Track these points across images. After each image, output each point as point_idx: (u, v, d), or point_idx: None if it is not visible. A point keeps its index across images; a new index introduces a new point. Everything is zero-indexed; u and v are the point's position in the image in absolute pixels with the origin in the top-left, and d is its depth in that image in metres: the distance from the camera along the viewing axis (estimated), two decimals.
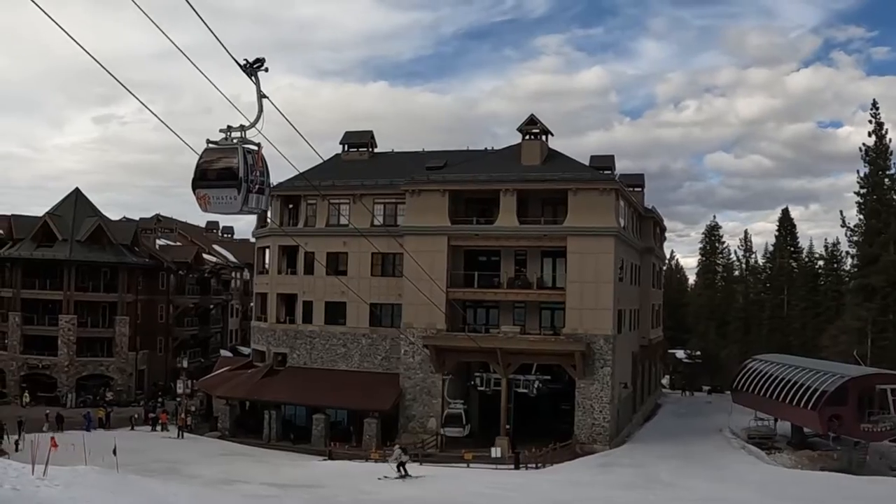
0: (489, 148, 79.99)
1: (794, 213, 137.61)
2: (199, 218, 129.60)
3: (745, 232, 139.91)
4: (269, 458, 62.47)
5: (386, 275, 72.93)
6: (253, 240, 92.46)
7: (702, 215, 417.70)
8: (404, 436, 67.49)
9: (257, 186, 18.97)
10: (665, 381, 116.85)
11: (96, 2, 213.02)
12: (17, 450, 58.08)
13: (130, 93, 19.09)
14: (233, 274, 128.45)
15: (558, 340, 65.70)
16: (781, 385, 67.14)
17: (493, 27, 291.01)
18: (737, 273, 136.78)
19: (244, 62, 18.20)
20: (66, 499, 22.64)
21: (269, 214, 76.39)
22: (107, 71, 17.23)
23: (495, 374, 66.06)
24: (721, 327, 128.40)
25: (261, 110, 18.89)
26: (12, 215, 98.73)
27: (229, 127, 19.02)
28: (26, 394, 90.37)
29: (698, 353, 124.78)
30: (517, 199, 68.00)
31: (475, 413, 71.83)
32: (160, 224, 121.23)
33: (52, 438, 43.88)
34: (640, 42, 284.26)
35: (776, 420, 70.03)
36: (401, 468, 50.50)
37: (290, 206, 78.91)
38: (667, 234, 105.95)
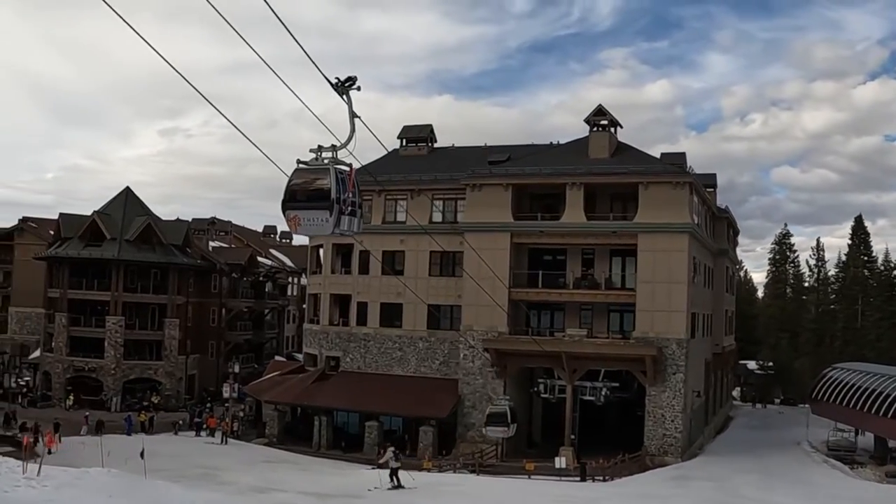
0: (555, 142, 75.96)
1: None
2: (257, 223, 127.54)
3: (818, 240, 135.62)
4: (316, 466, 58.99)
5: (445, 274, 69.66)
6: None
7: (768, 230, 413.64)
8: (462, 445, 64.11)
9: (349, 209, 18.70)
10: (735, 392, 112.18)
11: (163, 16, 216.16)
12: (49, 452, 54.77)
13: (215, 108, 18.22)
14: (290, 279, 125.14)
15: (628, 344, 61.97)
16: (864, 395, 63.70)
17: (558, 41, 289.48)
18: (807, 284, 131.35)
19: (336, 80, 18.03)
20: (44, 500, 21.54)
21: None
22: (192, 86, 16.34)
23: (560, 381, 62.47)
24: (792, 339, 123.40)
25: (353, 130, 18.58)
26: (60, 214, 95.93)
27: (320, 147, 18.65)
28: (70, 397, 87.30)
29: (770, 363, 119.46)
30: (584, 193, 64.16)
31: (538, 422, 69.11)
32: (214, 226, 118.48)
33: (48, 434, 41.74)
34: (706, 55, 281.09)
35: (857, 432, 66.57)
36: (393, 477, 45.91)
37: None
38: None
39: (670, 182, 62.11)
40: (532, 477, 54.03)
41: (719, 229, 79.86)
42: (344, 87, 18.09)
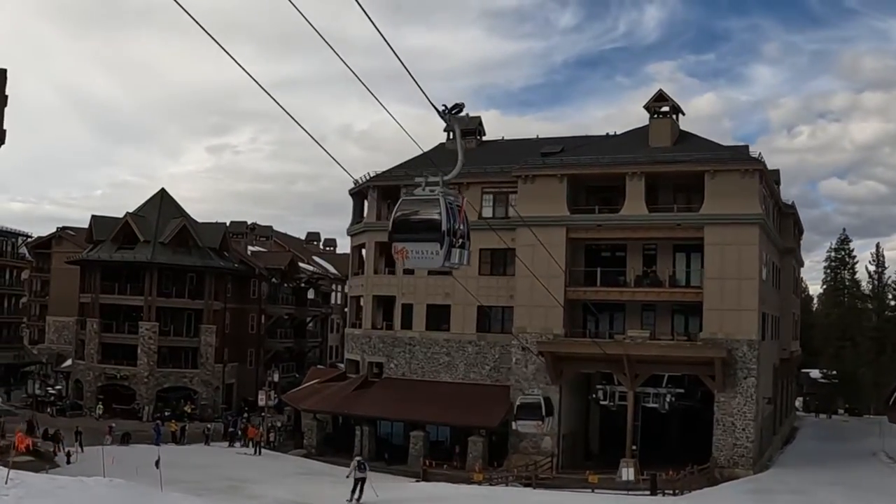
0: (612, 132, 71.32)
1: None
2: (300, 230, 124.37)
3: (877, 246, 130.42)
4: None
5: (496, 273, 65.65)
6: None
7: (816, 243, 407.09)
8: (514, 457, 59.63)
9: (460, 241, 17.97)
10: (798, 402, 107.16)
11: (215, 34, 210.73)
12: (68, 462, 52.63)
13: (300, 125, 17.56)
14: (333, 286, 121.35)
15: (695, 346, 57.25)
16: None
17: (605, 55, 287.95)
18: (866, 291, 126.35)
19: (443, 108, 17.79)
20: None
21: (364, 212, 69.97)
22: (273, 99, 16.21)
23: (620, 387, 57.96)
24: (853, 348, 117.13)
25: (461, 159, 18.73)
26: (93, 216, 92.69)
27: (426, 175, 18.25)
28: (100, 405, 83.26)
29: (834, 372, 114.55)
30: (645, 184, 59.86)
31: (595, 432, 65.34)
32: (254, 231, 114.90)
33: (18, 435, 39.23)
34: (753, 67, 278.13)
35: None
36: (357, 488, 41.15)
37: (389, 200, 70.90)
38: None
39: (738, 170, 57.66)
40: (596, 490, 49.85)
41: (785, 226, 74.83)
42: (451, 114, 17.89)
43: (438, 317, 67.49)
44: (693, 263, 60.23)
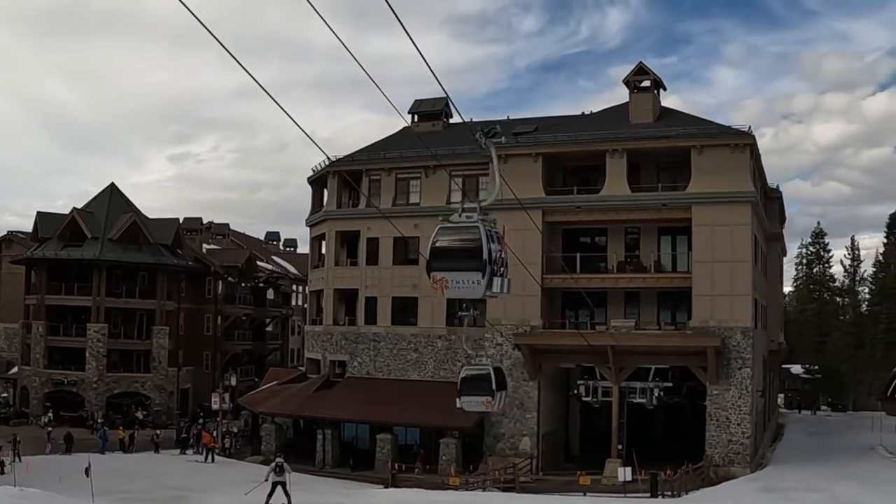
0: (588, 112, 66.90)
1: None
2: (259, 231, 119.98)
3: (852, 239, 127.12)
4: (317, 486, 49.90)
5: None
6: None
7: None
8: (491, 459, 55.36)
9: (502, 269, 18.38)
10: (779, 399, 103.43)
11: (176, 43, 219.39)
12: (2, 472, 48.99)
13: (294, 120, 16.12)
14: (294, 287, 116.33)
15: (686, 335, 53.05)
16: None
17: (568, 59, 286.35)
18: (840, 285, 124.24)
19: (479, 132, 18.75)
20: None
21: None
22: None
23: (603, 382, 54.00)
24: (832, 343, 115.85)
25: (499, 182, 19.90)
26: (38, 212, 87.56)
27: (463, 202, 20.83)
28: (49, 413, 77.66)
29: (816, 367, 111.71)
30: (627, 163, 55.77)
31: (575, 432, 61.35)
32: (210, 230, 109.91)
33: None
34: (716, 70, 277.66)
35: None
36: (276, 491, 37.54)
37: (350, 188, 66.67)
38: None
39: (728, 144, 53.64)
40: (588, 494, 45.33)
41: (771, 210, 70.76)
42: (487, 138, 18.41)
43: (405, 310, 63.10)
44: (679, 247, 56.33)
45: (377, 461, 57.42)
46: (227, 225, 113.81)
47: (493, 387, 28.30)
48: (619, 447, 52.04)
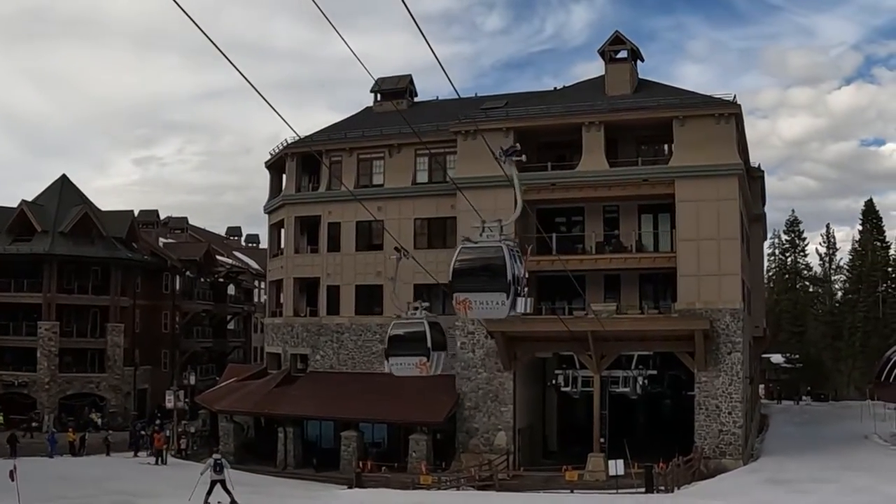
0: (560, 87, 63.44)
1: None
2: (220, 226, 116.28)
3: (828, 227, 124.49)
4: (276, 488, 46.57)
5: (435, 245, 57.35)
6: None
7: None
8: (464, 456, 51.97)
9: (525, 290, 18.75)
10: (760, 389, 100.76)
11: (139, 45, 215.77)
12: None
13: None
14: (256, 283, 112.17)
15: (671, 319, 49.68)
16: None
17: (533, 57, 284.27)
18: (816, 274, 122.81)
19: (499, 151, 19.43)
20: None
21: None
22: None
23: (583, 371, 50.70)
24: (809, 333, 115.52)
25: (520, 202, 20.09)
26: None
27: (484, 223, 18.86)
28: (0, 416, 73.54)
29: (797, 356, 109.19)
30: (605, 137, 52.43)
31: (553, 426, 58.37)
32: (167, 226, 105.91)
33: None
34: (681, 66, 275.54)
35: None
36: (214, 489, 34.64)
37: (311, 171, 63.05)
38: None
39: (712, 115, 50.40)
40: (576, 491, 41.93)
41: (754, 190, 67.06)
42: (507, 157, 19.21)
43: (370, 299, 59.30)
44: (662, 225, 53.20)
45: (342, 460, 53.86)
46: (186, 219, 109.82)
47: (429, 344, 25.58)
48: (602, 440, 48.97)
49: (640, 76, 57.44)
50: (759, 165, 69.18)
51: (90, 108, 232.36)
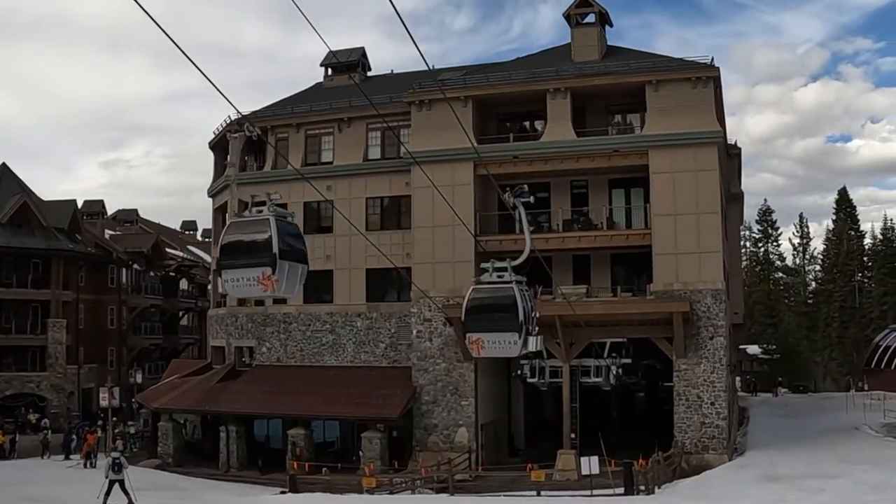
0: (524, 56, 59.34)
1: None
2: (175, 221, 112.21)
3: (801, 216, 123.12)
4: (208, 493, 43.00)
5: (388, 227, 53.72)
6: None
7: None
8: (421, 455, 47.72)
9: (536, 329, 19.56)
10: (737, 381, 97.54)
11: (107, 47, 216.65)
12: None
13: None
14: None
15: (647, 301, 45.41)
16: None
17: (500, 56, 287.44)
18: (788, 264, 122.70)
19: (506, 193, 21.47)
20: None
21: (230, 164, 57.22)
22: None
23: (551, 361, 46.72)
24: (784, 325, 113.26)
25: (528, 242, 21.09)
26: None
27: (493, 261, 19.96)
28: None
29: (774, 346, 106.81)
30: (572, 106, 48.17)
31: (519, 422, 54.36)
32: (116, 219, 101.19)
33: None
34: None
35: None
36: (113, 490, 33.07)
37: (257, 150, 58.69)
38: None
39: (688, 78, 46.27)
40: (543, 493, 37.38)
41: (731, 169, 63.19)
42: (515, 196, 20.87)
43: (319, 286, 54.54)
44: (635, 200, 49.05)
45: (289, 461, 49.08)
46: (136, 211, 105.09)
47: (275, 250, 16.28)
48: (573, 436, 45.07)
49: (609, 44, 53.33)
50: (735, 142, 65.31)
51: (56, 111, 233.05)
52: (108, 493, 32.88)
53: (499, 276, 19.52)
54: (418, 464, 45.96)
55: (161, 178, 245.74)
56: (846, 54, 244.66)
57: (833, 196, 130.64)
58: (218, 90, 13.80)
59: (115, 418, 65.57)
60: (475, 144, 43.56)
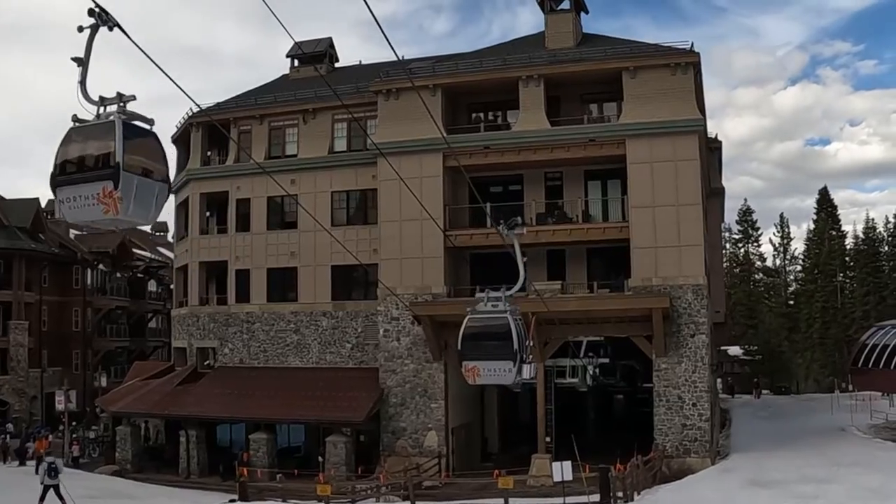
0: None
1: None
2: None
3: (781, 216, 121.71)
4: (163, 500, 41.05)
5: (354, 222, 51.86)
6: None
7: None
8: (389, 460, 45.41)
9: (530, 357, 20.68)
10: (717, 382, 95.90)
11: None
12: None
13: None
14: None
15: (625, 297, 43.39)
16: None
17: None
18: (768, 264, 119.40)
19: (500, 224, 21.64)
20: None
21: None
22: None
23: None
24: (765, 326, 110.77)
25: (523, 273, 22.18)
26: None
27: (488, 292, 20.99)
28: None
29: (756, 347, 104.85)
30: (546, 95, 46.09)
31: (492, 426, 52.35)
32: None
33: None
34: None
35: None
36: (48, 495, 31.77)
37: (220, 143, 56.57)
38: None
39: (667, 64, 44.29)
40: (512, 500, 34.81)
41: (711, 163, 61.37)
42: (510, 230, 21.12)
43: (283, 284, 53.10)
44: (611, 191, 47.20)
45: (252, 466, 46.87)
46: None
47: (118, 158, 11.98)
48: (547, 440, 43.33)
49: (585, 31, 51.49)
50: (716, 136, 63.36)
51: (36, 116, 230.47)
52: (41, 499, 31.63)
53: (493, 306, 20.13)
54: (384, 469, 43.86)
55: None
56: (825, 57, 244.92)
57: (811, 199, 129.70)
58: (166, 74, 13.24)
59: (74, 423, 63.59)
60: (444, 134, 41.43)
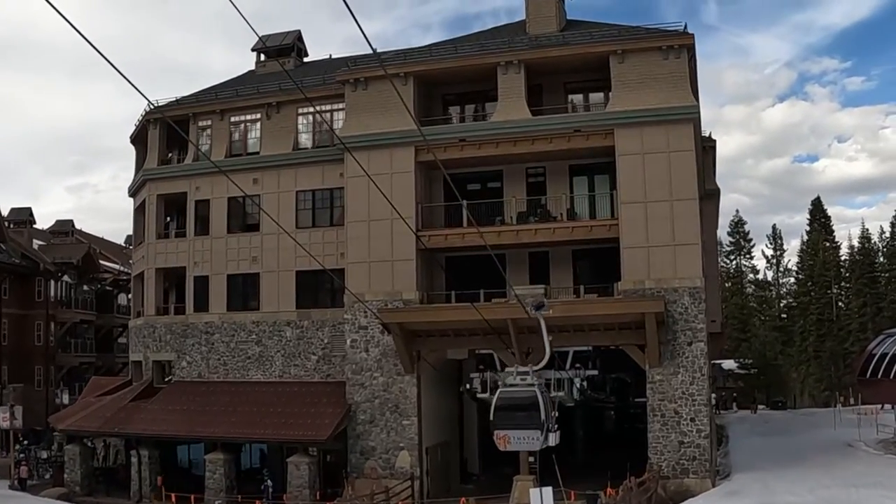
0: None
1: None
2: (119, 236, 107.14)
3: (773, 227, 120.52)
4: None
5: (320, 224, 48.06)
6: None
7: None
8: (357, 482, 41.50)
9: (556, 426, 23.89)
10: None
11: (75, 73, 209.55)
12: None
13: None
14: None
15: (615, 302, 39.69)
16: None
17: None
18: (761, 277, 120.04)
19: (530, 306, 25.28)
20: None
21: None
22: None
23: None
24: (758, 339, 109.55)
25: (548, 351, 25.95)
26: None
27: (517, 367, 23.98)
28: None
29: (751, 361, 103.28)
30: (527, 84, 42.62)
31: (473, 445, 48.75)
32: (53, 233, 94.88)
33: None
34: None
35: None
36: None
37: (178, 143, 52.97)
38: None
39: (659, 47, 40.73)
40: None
41: (706, 164, 57.42)
42: (538, 312, 24.48)
43: (244, 291, 49.48)
44: (599, 187, 43.55)
45: (207, 490, 43.42)
46: (71, 222, 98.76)
47: None
48: (531, 460, 38.53)
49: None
50: (710, 134, 59.65)
51: (23, 135, 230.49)
52: None
53: (521, 379, 22.94)
54: (350, 492, 40.01)
55: (128, 203, 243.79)
56: (813, 74, 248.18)
57: (800, 216, 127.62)
58: (116, 69, 13.01)
59: (26, 441, 59.84)
60: (418, 125, 37.59)
